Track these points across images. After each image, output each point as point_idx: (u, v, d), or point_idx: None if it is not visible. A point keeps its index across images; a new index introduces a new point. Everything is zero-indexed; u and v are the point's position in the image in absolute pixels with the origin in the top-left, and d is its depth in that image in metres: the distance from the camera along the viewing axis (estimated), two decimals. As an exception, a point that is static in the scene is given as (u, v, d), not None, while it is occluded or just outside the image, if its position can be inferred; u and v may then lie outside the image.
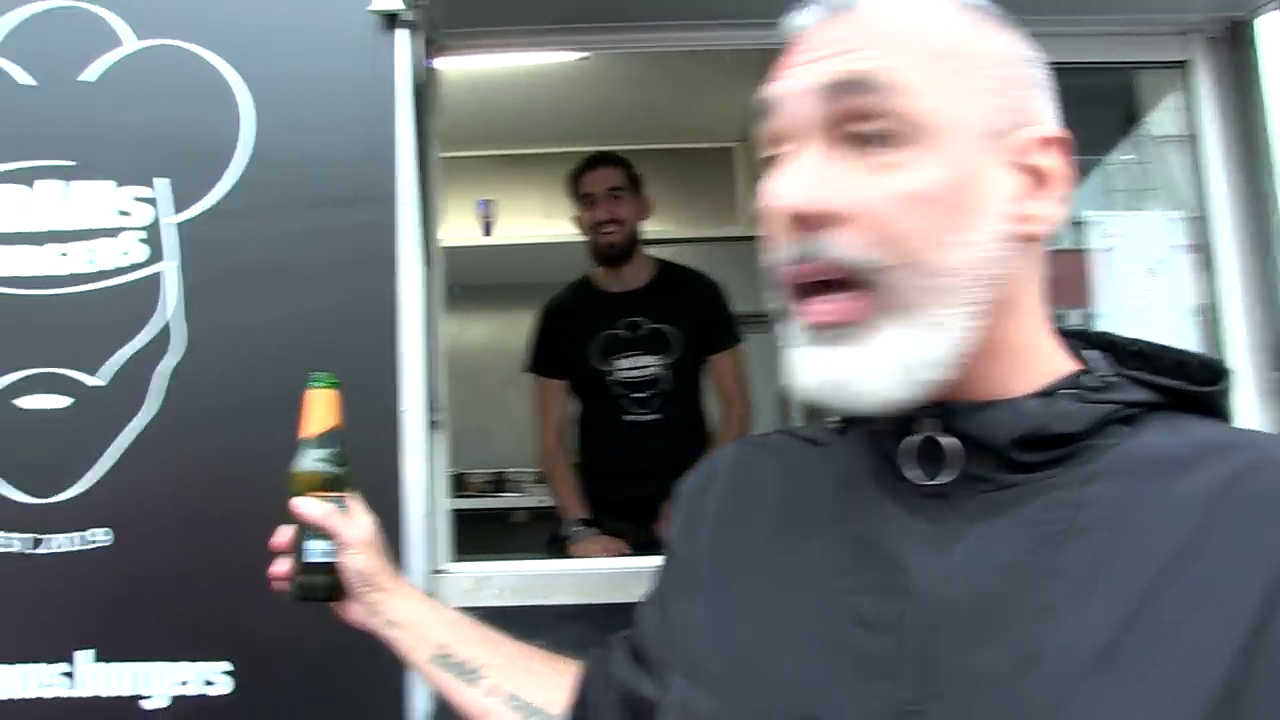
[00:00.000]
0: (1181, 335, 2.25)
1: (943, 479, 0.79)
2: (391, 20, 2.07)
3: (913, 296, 0.75)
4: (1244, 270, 2.20)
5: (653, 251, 3.20)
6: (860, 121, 0.76)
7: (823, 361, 0.77)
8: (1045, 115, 0.84)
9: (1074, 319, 2.33)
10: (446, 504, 2.12)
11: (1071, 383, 0.81)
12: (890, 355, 0.75)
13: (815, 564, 0.84)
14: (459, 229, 4.31)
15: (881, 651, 0.75)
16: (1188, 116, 2.31)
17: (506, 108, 3.97)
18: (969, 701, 0.71)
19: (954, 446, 0.79)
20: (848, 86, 0.76)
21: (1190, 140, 2.30)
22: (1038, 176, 0.81)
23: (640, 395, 3.01)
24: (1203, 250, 2.26)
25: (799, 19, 0.83)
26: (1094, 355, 0.84)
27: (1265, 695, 0.65)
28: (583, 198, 3.07)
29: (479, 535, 3.14)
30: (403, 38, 2.01)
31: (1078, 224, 2.35)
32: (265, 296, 2.05)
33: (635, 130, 4.16)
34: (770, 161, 0.81)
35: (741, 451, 1.02)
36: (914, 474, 0.80)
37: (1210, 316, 2.24)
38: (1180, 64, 2.32)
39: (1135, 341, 0.86)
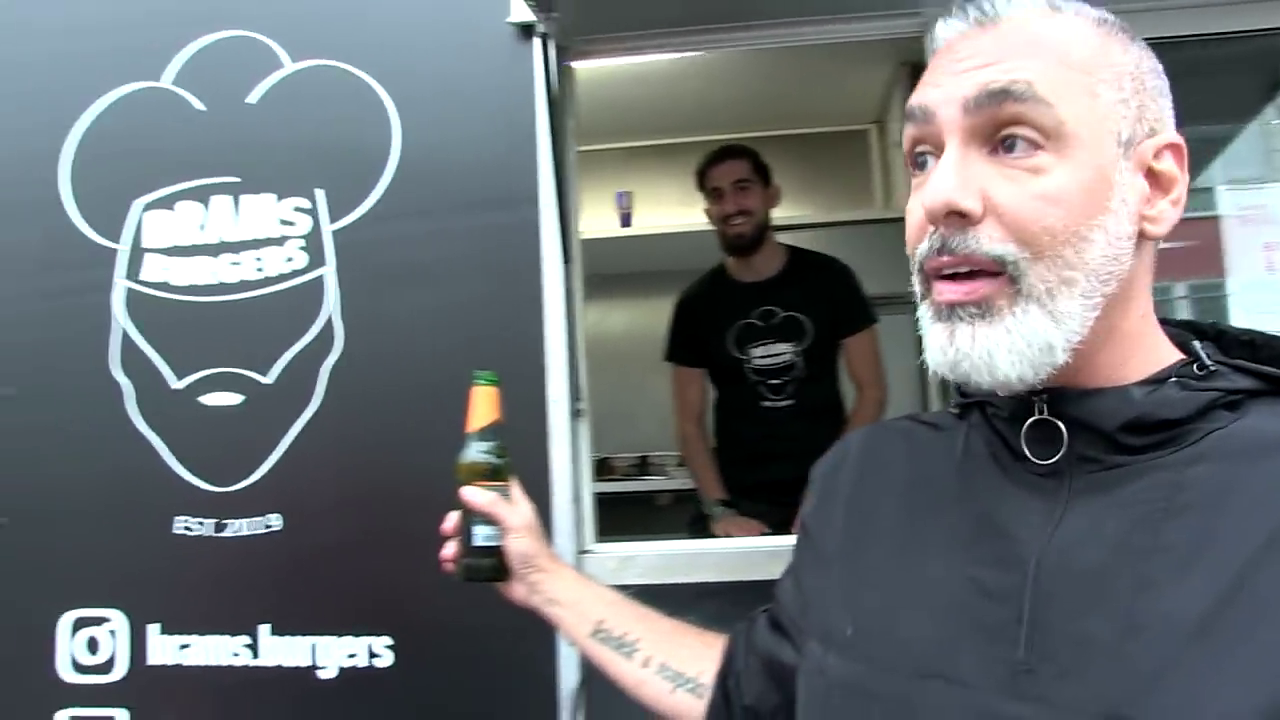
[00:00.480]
0: None
1: (1052, 460, 0.85)
2: (527, 31, 2.18)
3: (1042, 286, 0.81)
4: None
5: (789, 236, 3.23)
6: (1005, 127, 0.82)
7: (952, 337, 0.83)
8: (1167, 122, 0.89)
9: (1205, 290, 2.31)
10: (591, 487, 2.21)
11: (1177, 371, 0.85)
12: (1014, 336, 0.81)
13: (940, 539, 0.90)
14: (598, 220, 4.43)
15: (1001, 618, 0.81)
16: None
17: (642, 101, 4.05)
18: (1076, 664, 0.76)
19: (1062, 430, 0.84)
20: (995, 96, 0.82)
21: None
22: (1158, 180, 0.87)
23: (775, 382, 3.05)
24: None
25: (945, 30, 0.89)
26: (1200, 345, 0.88)
27: None
28: (711, 191, 3.12)
29: (624, 517, 3.25)
30: (538, 47, 2.11)
31: (1206, 192, 2.32)
32: (416, 295, 2.19)
33: (769, 117, 4.19)
34: (916, 162, 0.89)
35: (871, 435, 1.09)
36: (1033, 455, 0.86)
37: None
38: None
39: (1247, 331, 0.90)
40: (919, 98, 0.87)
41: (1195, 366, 0.85)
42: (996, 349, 0.81)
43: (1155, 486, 0.80)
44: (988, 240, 0.81)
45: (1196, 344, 0.88)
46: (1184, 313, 3.34)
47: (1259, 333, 0.90)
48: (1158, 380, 0.84)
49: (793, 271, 3.12)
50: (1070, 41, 0.85)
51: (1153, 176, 0.87)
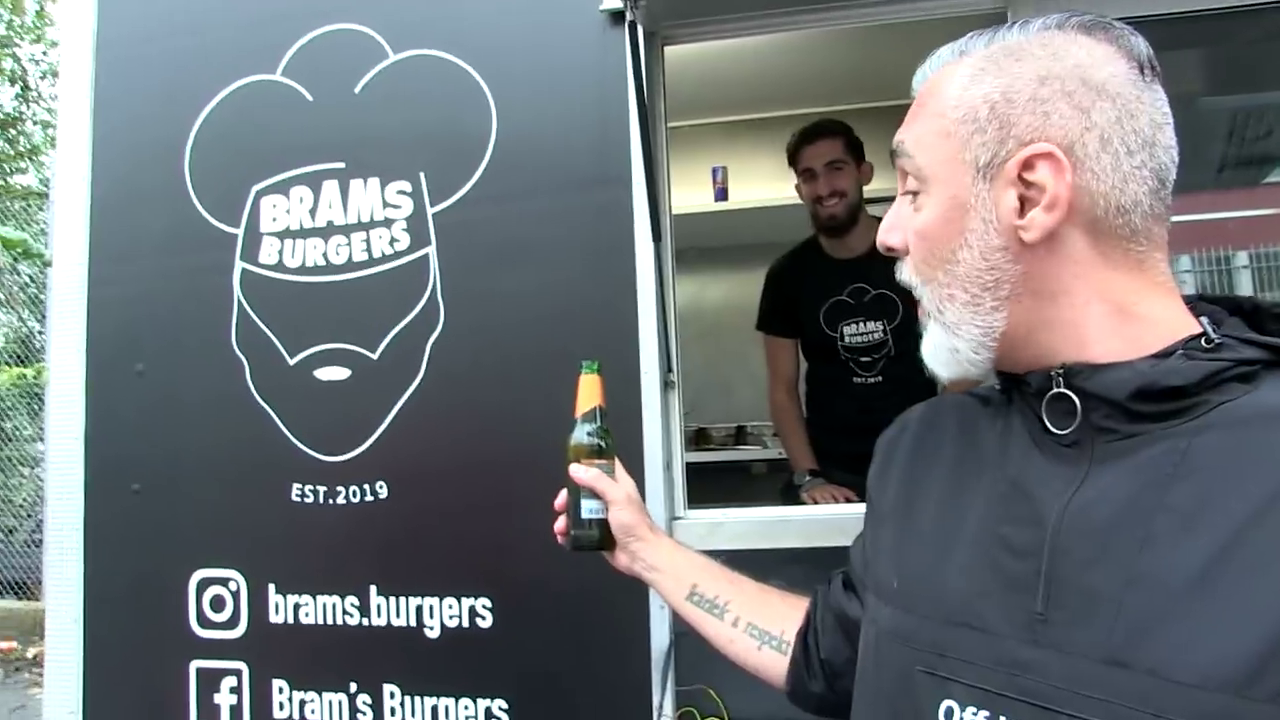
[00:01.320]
0: None
1: (1071, 429, 0.92)
2: (618, 18, 2.25)
3: (934, 305, 1.00)
4: None
5: (884, 209, 3.22)
6: (906, 178, 1.03)
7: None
8: (1050, 130, 0.93)
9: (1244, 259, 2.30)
10: (682, 456, 2.29)
11: (1184, 344, 0.90)
12: (933, 346, 1.01)
13: (977, 501, 1.00)
14: (695, 195, 4.47)
15: (1023, 571, 0.90)
16: None
17: (736, 76, 4.06)
18: (1084, 612, 0.85)
19: (1076, 402, 0.92)
20: (896, 154, 1.05)
21: None
22: (1032, 190, 0.93)
23: (866, 359, 3.08)
24: None
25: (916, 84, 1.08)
26: (1208, 320, 0.93)
27: None
28: (803, 171, 3.12)
29: (721, 486, 3.31)
30: (628, 32, 2.17)
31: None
32: (513, 274, 2.28)
33: (863, 89, 4.15)
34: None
35: (930, 408, 1.19)
36: (1053, 425, 0.94)
37: None
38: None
39: (1278, 305, 0.95)
40: None
41: (1204, 340, 0.90)
42: (929, 356, 1.02)
43: (1166, 453, 0.86)
44: (904, 272, 1.04)
45: (1204, 319, 0.93)
46: (1247, 281, 3.29)
47: (1250, 303, 0.96)
48: (1165, 354, 0.90)
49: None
50: (942, 90, 1.00)
51: (1028, 186, 0.93)
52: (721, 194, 4.46)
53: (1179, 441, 0.86)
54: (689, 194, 4.31)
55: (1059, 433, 0.93)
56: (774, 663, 1.35)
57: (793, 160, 3.17)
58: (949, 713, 0.92)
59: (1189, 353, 0.89)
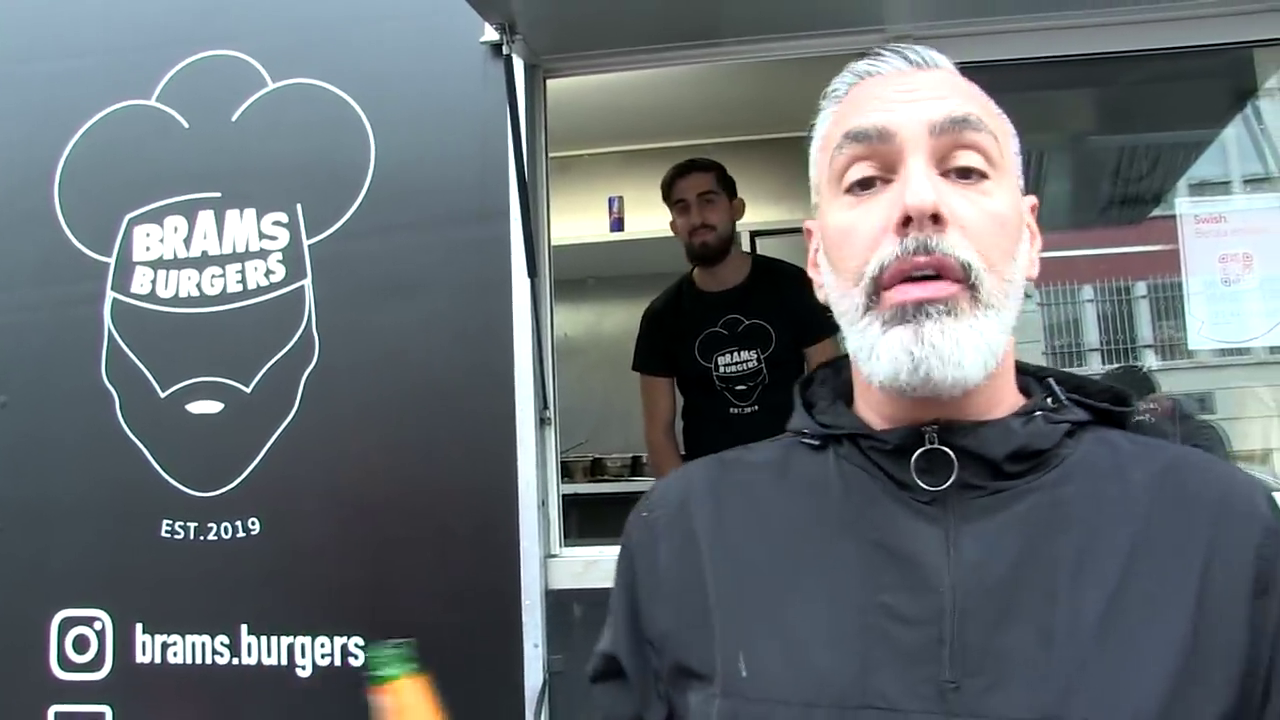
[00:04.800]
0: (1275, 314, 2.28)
1: (943, 487, 0.89)
2: (499, 50, 2.24)
3: (994, 296, 0.86)
4: None
5: (773, 241, 3.25)
6: (962, 151, 0.88)
7: (919, 334, 0.84)
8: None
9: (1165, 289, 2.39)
10: (558, 493, 2.28)
11: (1039, 406, 0.92)
12: (977, 335, 0.85)
13: (838, 569, 0.90)
14: (591, 225, 4.48)
15: (920, 640, 0.84)
16: None
17: (633, 107, 4.08)
18: (1002, 676, 0.81)
19: (954, 458, 0.88)
20: (957, 122, 0.88)
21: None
22: (1030, 231, 0.95)
23: (742, 388, 3.09)
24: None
25: (878, 66, 0.95)
26: (1049, 383, 0.95)
27: (1213, 641, 0.81)
28: (676, 204, 3.15)
29: (619, 517, 3.29)
30: (508, 66, 2.16)
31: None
32: (390, 307, 2.27)
33: (755, 122, 4.23)
34: (860, 182, 0.90)
35: (713, 470, 1.04)
36: (923, 484, 0.89)
37: None
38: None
39: (1063, 372, 0.98)
40: (873, 119, 0.90)
41: (1051, 401, 0.92)
42: (965, 344, 0.84)
43: (1037, 507, 0.86)
44: (961, 245, 0.85)
45: (1051, 381, 0.95)
46: (1145, 312, 3.39)
47: (1071, 374, 0.99)
48: (1027, 413, 0.91)
49: (757, 280, 3.17)
50: (986, 97, 0.94)
51: (1028, 229, 0.94)
52: (618, 224, 4.47)
53: (1043, 495, 0.87)
54: (587, 223, 4.31)
55: (929, 489, 0.89)
56: None
57: (667, 194, 3.20)
58: None
59: (1046, 415, 0.91)
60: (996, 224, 0.87)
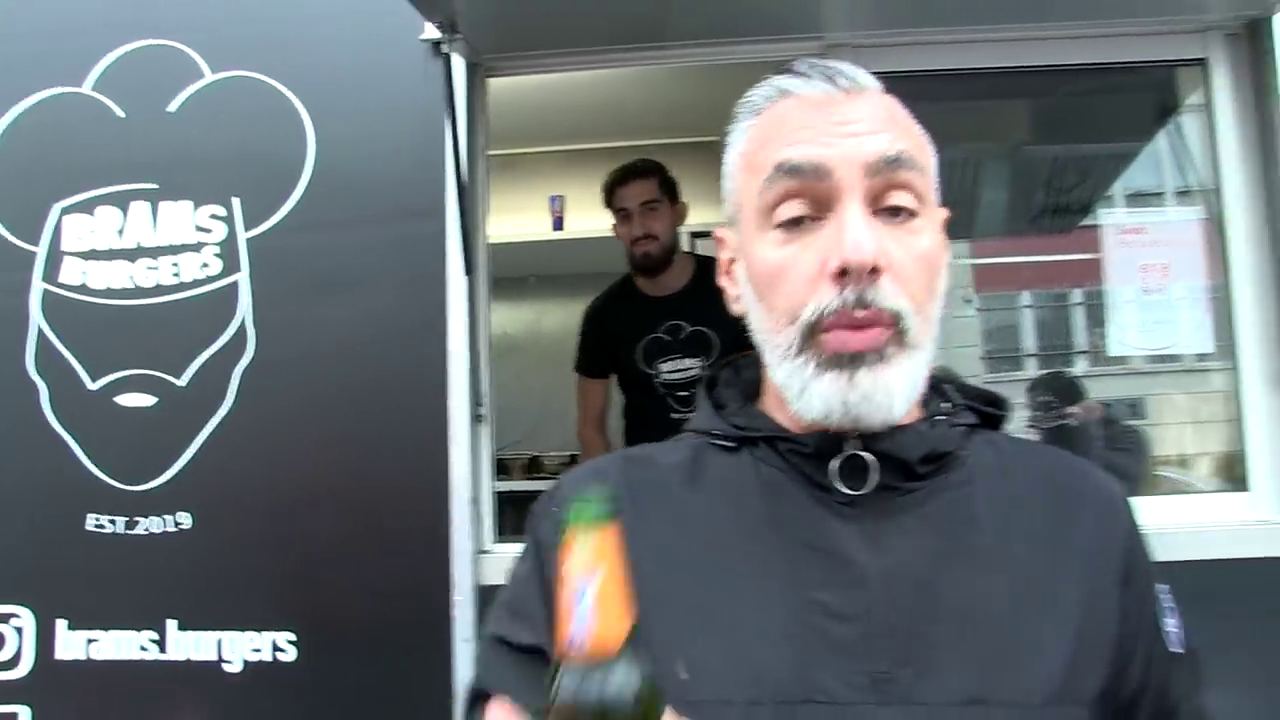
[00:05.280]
0: (1193, 323, 2.41)
1: (865, 489, 0.93)
2: (439, 48, 2.24)
3: (918, 337, 0.89)
4: (1256, 262, 2.29)
5: (711, 243, 3.24)
6: (896, 191, 0.89)
7: (852, 382, 0.88)
8: None
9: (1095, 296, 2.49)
10: (491, 489, 2.29)
11: (941, 410, 0.98)
12: (905, 379, 0.89)
13: (768, 570, 0.92)
14: (533, 223, 4.48)
15: (854, 634, 0.87)
16: (1207, 112, 2.39)
17: (575, 106, 4.08)
18: (928, 664, 0.86)
19: (876, 462, 0.92)
20: (891, 162, 0.88)
21: (1210, 134, 2.39)
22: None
23: (684, 394, 3.07)
24: (1218, 242, 2.36)
25: (805, 88, 0.94)
26: (944, 388, 1.01)
27: (1096, 623, 0.90)
28: (618, 212, 3.12)
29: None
30: (449, 64, 2.18)
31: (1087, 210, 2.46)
32: (326, 302, 2.26)
33: (697, 124, 4.22)
34: (791, 218, 0.91)
35: (624, 467, 1.03)
36: (840, 486, 0.93)
37: (1224, 304, 2.34)
38: (1200, 61, 2.40)
39: (947, 374, 1.04)
40: (808, 154, 0.90)
41: (949, 405, 0.98)
42: (895, 389, 0.88)
43: (946, 505, 0.93)
44: (890, 295, 0.87)
45: (949, 387, 1.01)
46: (1079, 318, 3.48)
47: (959, 379, 1.05)
48: (931, 418, 0.97)
49: (700, 285, 3.12)
50: (911, 120, 0.95)
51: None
52: (559, 223, 4.47)
53: (951, 494, 0.93)
54: (528, 222, 4.31)
55: (849, 492, 0.92)
56: None
57: (608, 200, 3.17)
58: None
59: (947, 419, 0.97)
60: (925, 265, 0.91)
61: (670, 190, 3.11)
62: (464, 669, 2.10)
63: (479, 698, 0.97)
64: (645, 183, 3.08)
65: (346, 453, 2.20)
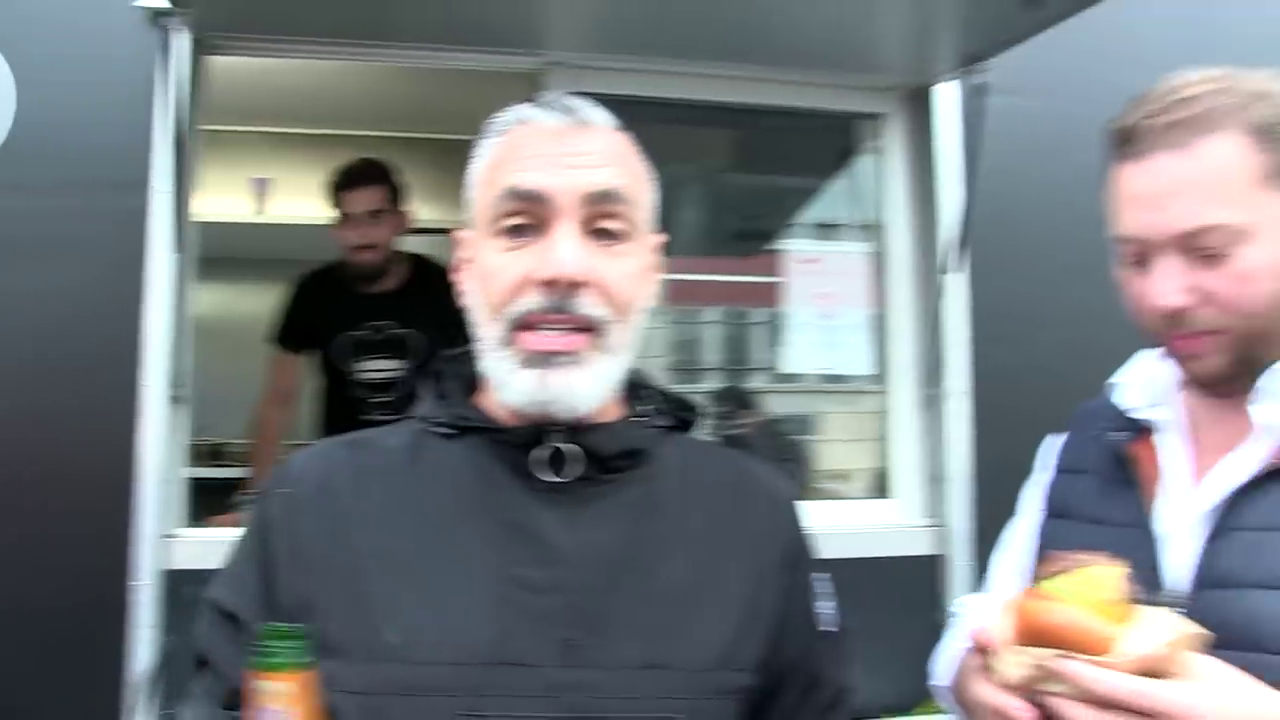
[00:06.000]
0: (857, 346, 2.76)
1: (568, 478, 1.05)
2: (157, 17, 2.18)
3: (618, 341, 1.04)
4: (911, 296, 2.68)
5: (421, 240, 3.28)
6: (607, 219, 1.04)
7: (544, 380, 1.02)
8: None
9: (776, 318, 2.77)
10: (183, 473, 2.25)
11: (638, 413, 1.13)
12: (596, 380, 1.03)
13: (477, 547, 1.04)
14: (232, 204, 4.31)
15: (548, 606, 1.01)
16: (879, 161, 2.78)
17: (286, 88, 3.94)
18: (615, 632, 1.00)
19: (579, 454, 1.06)
20: (607, 195, 1.03)
21: (880, 178, 2.78)
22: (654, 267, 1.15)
23: (382, 398, 3.03)
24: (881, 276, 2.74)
25: (541, 116, 1.08)
26: (647, 393, 1.16)
27: (762, 600, 1.07)
28: (342, 214, 3.03)
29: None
30: (166, 35, 2.12)
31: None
32: (15, 273, 2.16)
33: (413, 121, 4.23)
34: (512, 229, 1.04)
35: (349, 451, 1.13)
36: (545, 474, 1.05)
37: (881, 331, 2.73)
38: (877, 115, 2.73)
39: (650, 381, 1.19)
40: (533, 181, 1.03)
41: (646, 408, 1.14)
42: (582, 390, 1.02)
43: (638, 496, 1.08)
44: (590, 305, 1.01)
45: (647, 392, 1.17)
46: (760, 337, 3.77)
47: (651, 380, 1.19)
48: (630, 418, 1.12)
49: (411, 287, 3.14)
50: (633, 156, 1.10)
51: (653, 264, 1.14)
52: (260, 206, 4.34)
53: (642, 487, 1.08)
54: (227, 202, 4.15)
55: (557, 480, 1.05)
56: None
57: (333, 200, 3.07)
58: None
59: (645, 420, 1.12)
60: (628, 281, 1.05)
61: (396, 196, 3.08)
62: (140, 654, 2.04)
63: (203, 661, 1.07)
64: (375, 191, 3.03)
65: (27, 430, 2.11)
